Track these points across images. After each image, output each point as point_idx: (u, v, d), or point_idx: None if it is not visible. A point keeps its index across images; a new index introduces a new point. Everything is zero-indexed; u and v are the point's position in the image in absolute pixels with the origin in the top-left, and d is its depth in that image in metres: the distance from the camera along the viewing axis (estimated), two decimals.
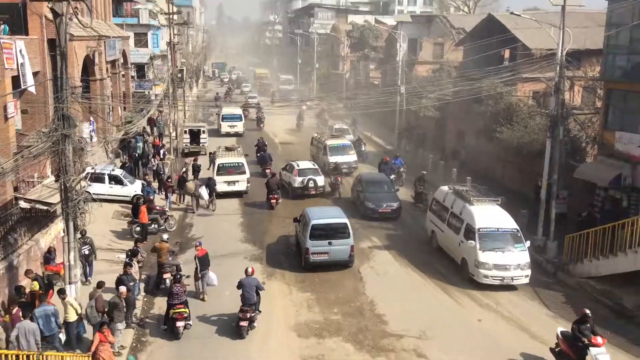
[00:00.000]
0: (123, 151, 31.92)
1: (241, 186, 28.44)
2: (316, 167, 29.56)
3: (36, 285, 15.11)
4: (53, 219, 18.60)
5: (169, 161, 34.87)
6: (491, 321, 16.91)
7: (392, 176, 29.77)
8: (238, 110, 45.76)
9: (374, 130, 45.53)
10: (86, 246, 18.11)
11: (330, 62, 74.80)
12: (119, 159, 31.84)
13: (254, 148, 35.49)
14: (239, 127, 44.11)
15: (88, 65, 30.61)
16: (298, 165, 29.08)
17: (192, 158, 32.01)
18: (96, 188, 24.94)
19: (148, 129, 38.02)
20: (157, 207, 24.32)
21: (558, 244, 21.31)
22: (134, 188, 26.65)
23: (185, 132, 38.38)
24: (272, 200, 26.64)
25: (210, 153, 32.69)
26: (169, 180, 27.67)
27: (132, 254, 18.36)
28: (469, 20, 45.76)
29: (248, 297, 15.82)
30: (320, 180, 28.55)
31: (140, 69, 48.92)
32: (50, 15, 16.42)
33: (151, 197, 24.96)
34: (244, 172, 28.47)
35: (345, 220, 20.33)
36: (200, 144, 37.99)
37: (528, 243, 19.19)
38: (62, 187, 14.94)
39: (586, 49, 28.14)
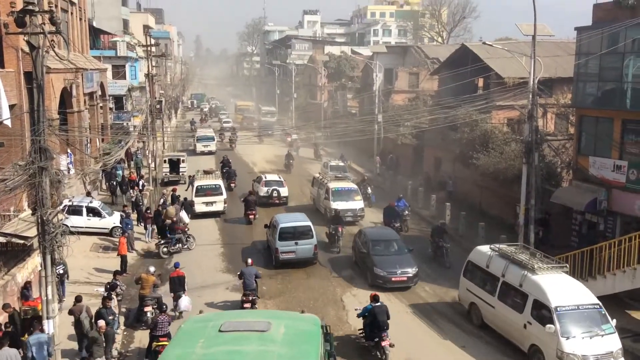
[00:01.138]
0: (105, 178, 31.94)
1: (218, 206, 30.15)
2: (281, 179, 33.38)
3: (36, 311, 15.33)
4: (30, 253, 18.16)
5: (148, 192, 34.50)
6: None
7: (397, 224, 26.09)
8: (211, 132, 52.02)
9: (352, 158, 45.75)
10: (60, 265, 17.68)
11: (308, 91, 75.35)
12: (96, 191, 31.44)
13: (219, 165, 39.46)
14: (212, 146, 49.99)
15: (65, 98, 30.33)
16: (265, 177, 33.42)
17: (171, 188, 31.76)
18: (74, 220, 24.56)
19: (125, 164, 37.51)
20: (181, 226, 25.42)
21: None
22: (112, 220, 26.28)
23: (165, 161, 38.53)
24: (250, 216, 29.07)
25: (189, 176, 34.67)
26: (148, 211, 27.32)
27: (110, 287, 17.96)
28: (443, 51, 46.61)
29: (248, 284, 18.73)
30: (284, 191, 32.64)
31: (119, 100, 48.65)
32: (26, 48, 16.28)
33: (129, 232, 24.55)
34: (221, 194, 30.37)
35: (309, 223, 23.38)
36: (180, 173, 38.02)
37: (614, 322, 15.16)
38: (39, 220, 14.62)
39: (557, 77, 28.80)
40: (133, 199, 29.51)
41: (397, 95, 46.77)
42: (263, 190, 32.15)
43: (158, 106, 42.48)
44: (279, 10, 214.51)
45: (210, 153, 48.73)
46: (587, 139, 22.65)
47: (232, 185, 35.48)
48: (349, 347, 16.41)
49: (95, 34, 47.76)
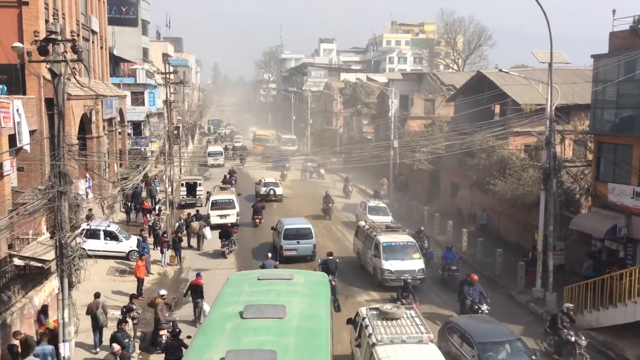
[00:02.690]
0: (126, 198, 32.91)
1: (231, 218, 32.37)
2: (276, 181, 41.75)
3: (51, 324, 15.96)
4: (47, 276, 18.25)
5: (165, 216, 34.69)
6: None
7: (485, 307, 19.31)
8: (220, 148, 61.97)
9: (367, 183, 45.69)
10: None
11: (324, 117, 75.80)
12: (113, 214, 31.69)
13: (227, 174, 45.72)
14: (221, 160, 58.04)
15: (85, 123, 30.82)
16: (264, 180, 41.51)
17: (187, 212, 31.97)
18: (91, 244, 24.70)
19: (143, 192, 37.72)
20: (234, 230, 28.85)
21: (557, 295, 21.03)
22: (129, 244, 26.39)
23: (182, 185, 39.11)
24: (256, 220, 33.84)
25: (207, 192, 37.43)
26: (165, 235, 27.42)
27: (126, 310, 17.94)
28: (459, 78, 46.73)
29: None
30: (279, 190, 40.95)
31: (137, 126, 49.30)
32: (48, 76, 16.63)
33: (146, 254, 24.67)
34: (234, 207, 33.04)
35: (309, 226, 27.44)
36: (197, 196, 38.42)
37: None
38: (57, 243, 14.72)
39: (574, 104, 28.65)
40: (150, 223, 29.64)
41: (413, 122, 46.85)
42: (263, 190, 40.60)
43: (175, 132, 42.96)
44: (296, 39, 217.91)
45: (219, 166, 56.33)
46: (606, 165, 22.40)
47: (233, 181, 42.40)
48: None
49: (116, 61, 48.71)
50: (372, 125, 56.87)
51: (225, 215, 32.63)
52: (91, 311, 17.57)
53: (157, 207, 33.64)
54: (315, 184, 48.40)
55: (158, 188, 38.01)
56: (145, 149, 46.18)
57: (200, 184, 39.05)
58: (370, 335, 13.98)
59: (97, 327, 17.57)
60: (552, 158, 21.03)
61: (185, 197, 38.43)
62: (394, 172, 41.75)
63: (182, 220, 29.70)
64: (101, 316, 17.50)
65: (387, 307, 15.08)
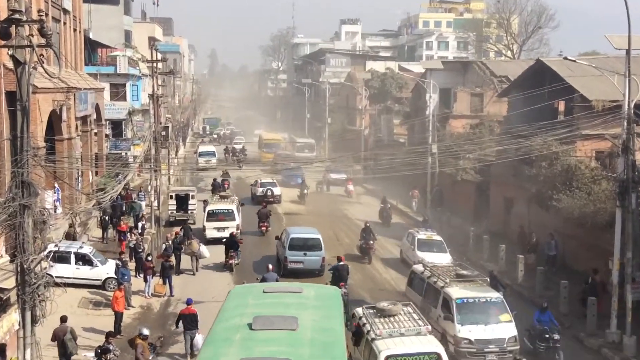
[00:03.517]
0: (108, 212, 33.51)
1: (230, 232, 32.38)
2: (274, 181, 46.77)
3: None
4: (6, 309, 18.36)
5: (150, 236, 34.81)
6: None
7: None
8: (212, 148, 66.43)
9: (400, 198, 45.58)
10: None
11: (346, 116, 75.94)
12: (87, 235, 31.92)
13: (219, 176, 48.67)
14: (213, 161, 61.44)
15: (54, 122, 31.14)
16: (261, 180, 46.22)
17: (175, 231, 32.11)
18: (60, 270, 24.85)
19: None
20: (240, 240, 31.09)
21: (637, 339, 20.70)
22: (105, 269, 26.54)
23: (171, 197, 39.31)
24: (262, 228, 36.63)
25: (204, 201, 38.52)
26: (149, 259, 27.53)
27: (102, 351, 18.01)
28: (513, 67, 46.55)
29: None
30: (276, 190, 45.62)
31: (117, 126, 49.79)
32: (10, 64, 16.80)
33: (126, 282, 24.78)
34: (234, 219, 34.25)
35: (318, 236, 29.47)
36: (189, 211, 38.51)
37: None
38: (19, 269, 14.80)
39: None
40: (132, 244, 29.82)
41: (456, 121, 46.70)
42: (259, 191, 45.15)
43: (163, 133, 43.30)
44: (312, 20, 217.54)
45: (211, 168, 58.84)
46: None
47: (226, 185, 45.23)
48: None
49: (92, 47, 49.25)
50: (405, 125, 56.82)
51: (223, 228, 33.89)
52: (58, 338, 17.68)
53: (140, 224, 33.82)
54: (337, 201, 48.39)
55: (143, 203, 38.17)
56: (126, 153, 46.54)
57: (192, 196, 39.27)
58: (368, 331, 17.13)
59: (65, 355, 17.67)
60: (630, 167, 20.78)
61: (174, 212, 38.64)
62: (432, 183, 41.57)
63: (169, 241, 29.82)
64: (70, 343, 17.64)
65: (384, 304, 18.33)
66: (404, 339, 16.52)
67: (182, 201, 38.91)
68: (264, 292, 15.89)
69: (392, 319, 17.62)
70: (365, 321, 17.69)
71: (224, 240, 31.41)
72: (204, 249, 30.03)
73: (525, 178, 31.27)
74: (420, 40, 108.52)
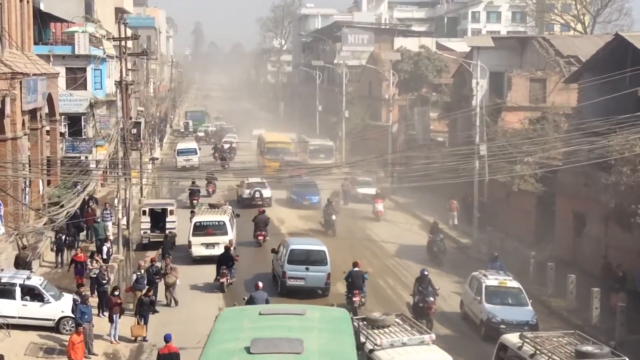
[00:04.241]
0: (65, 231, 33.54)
1: (222, 249, 33.56)
2: (264, 181, 49.91)
3: None
4: None
5: (117, 263, 34.74)
6: None
7: None
8: (193, 145, 70.14)
9: (437, 211, 45.39)
10: None
11: (368, 108, 75.80)
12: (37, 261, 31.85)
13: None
14: (194, 160, 65.45)
15: None
16: (248, 180, 49.24)
17: (150, 258, 31.98)
18: (2, 307, 24.77)
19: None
20: (235, 257, 32.81)
21: None
22: (60, 306, 26.41)
23: (144, 212, 39.29)
24: (259, 237, 39.02)
25: (191, 211, 40.19)
26: (116, 293, 27.41)
27: None
28: (585, 45, 46.26)
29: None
30: (266, 192, 49.13)
31: (75, 121, 49.79)
32: None
33: (85, 324, 24.67)
34: (226, 233, 35.82)
35: (324, 248, 31.50)
36: (167, 231, 38.29)
37: None
38: None
39: None
40: (94, 275, 29.71)
41: (511, 114, 46.40)
42: (246, 192, 48.60)
43: (134, 131, 43.33)
44: None
45: (192, 168, 63.55)
46: None
47: (195, 201, 46.40)
48: None
49: (44, 21, 49.28)
50: (444, 120, 56.60)
51: (212, 245, 35.54)
52: None
53: (104, 248, 33.71)
54: (359, 222, 47.93)
55: (109, 223, 38.03)
56: (87, 157, 46.57)
57: (172, 212, 39.27)
58: (363, 343, 19.42)
59: None
60: None
61: (148, 231, 38.70)
62: (480, 194, 41.35)
63: (141, 271, 29.70)
64: None
65: (376, 314, 21.38)
66: (408, 349, 19.27)
67: (158, 218, 38.89)
68: (260, 314, 16.98)
69: (386, 329, 20.51)
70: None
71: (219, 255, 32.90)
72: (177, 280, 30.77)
73: (601, 188, 30.92)
74: (464, 10, 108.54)
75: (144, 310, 26.85)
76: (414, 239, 41.88)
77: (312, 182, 50.94)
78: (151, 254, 33.42)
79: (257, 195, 47.72)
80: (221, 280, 31.33)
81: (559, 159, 35.13)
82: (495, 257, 32.29)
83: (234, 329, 16.06)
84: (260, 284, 26.79)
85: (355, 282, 28.59)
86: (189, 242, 35.84)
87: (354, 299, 28.82)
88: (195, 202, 46.39)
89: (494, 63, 47.70)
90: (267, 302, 25.34)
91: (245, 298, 26.47)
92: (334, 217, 41.35)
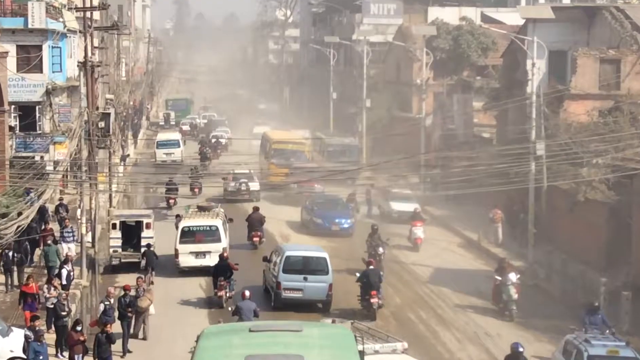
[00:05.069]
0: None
1: (214, 259, 35.61)
2: (251, 172, 55.08)
3: None
4: None
5: (80, 290, 34.73)
6: None
7: None
8: (175, 136, 75.79)
9: (479, 222, 45.31)
10: None
11: (394, 95, 75.68)
12: None
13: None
14: (177, 154, 70.68)
15: None
16: (233, 171, 54.21)
17: (125, 283, 31.95)
18: None
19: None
20: (234, 265, 34.01)
21: None
22: (7, 345, 26.41)
23: (114, 226, 39.37)
24: (254, 238, 41.93)
25: (176, 215, 42.51)
26: (78, 328, 27.40)
27: None
28: None
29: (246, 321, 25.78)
30: (254, 185, 54.12)
31: (28, 112, 49.80)
32: None
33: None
34: (219, 240, 37.72)
35: (324, 255, 33.61)
36: (141, 249, 38.36)
37: None
38: None
39: None
40: (51, 304, 29.70)
41: (576, 104, 46.29)
42: (231, 185, 53.62)
43: (102, 124, 43.28)
44: None
45: (174, 163, 67.74)
46: None
47: (171, 202, 51.32)
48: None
49: None
50: (491, 111, 56.49)
51: (203, 254, 37.53)
52: None
53: (64, 271, 33.67)
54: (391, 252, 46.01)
55: (71, 245, 37.98)
56: (42, 157, 46.59)
57: (148, 225, 39.40)
58: None
59: None
60: None
61: (119, 250, 38.81)
62: (537, 205, 41.24)
63: (110, 300, 29.67)
64: None
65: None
66: (380, 357, 22.06)
67: (131, 233, 39.05)
68: (250, 331, 17.71)
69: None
70: None
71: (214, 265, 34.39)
72: (152, 308, 31.12)
73: None
74: None
75: (103, 351, 26.63)
76: (453, 260, 42.28)
77: (339, 198, 50.15)
78: (123, 279, 33.37)
79: (243, 187, 52.71)
80: (219, 294, 32.65)
81: (637, 161, 35.00)
82: (595, 307, 29.33)
83: (223, 346, 16.91)
84: (247, 293, 28.79)
85: (371, 281, 31.36)
86: (176, 250, 37.37)
87: (371, 300, 30.82)
88: (172, 203, 50.62)
89: (554, 39, 47.60)
90: (255, 313, 27.90)
91: (232, 308, 28.85)
92: (381, 250, 38.78)
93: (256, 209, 43.92)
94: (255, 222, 42.05)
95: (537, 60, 43.55)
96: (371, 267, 32.21)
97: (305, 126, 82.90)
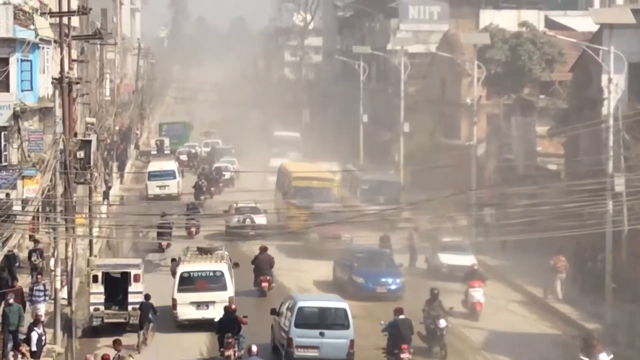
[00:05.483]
0: None
1: (218, 311, 36.58)
2: (257, 205, 57.74)
3: None
4: None
5: (52, 359, 34.61)
6: None
7: None
8: (171, 165, 78.34)
9: (540, 274, 45.06)
10: None
11: (438, 118, 75.67)
12: None
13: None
14: (172, 187, 73.77)
15: None
16: (237, 204, 57.28)
17: (104, 353, 31.97)
18: None
19: None
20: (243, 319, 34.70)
21: None
22: None
23: (95, 279, 39.46)
24: (262, 284, 43.36)
25: (172, 260, 43.62)
26: None
27: None
28: None
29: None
30: (260, 219, 56.19)
31: None
32: None
33: None
34: (224, 288, 38.82)
35: (344, 305, 34.35)
36: (129, 306, 38.60)
37: None
38: None
39: None
40: None
41: None
42: (234, 220, 55.88)
43: (82, 154, 43.34)
44: None
45: (169, 197, 70.74)
46: None
47: (165, 244, 52.82)
48: None
49: None
50: (558, 137, 56.39)
51: (206, 304, 38.54)
52: None
53: (34, 335, 33.64)
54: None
55: (41, 305, 37.95)
56: (8, 195, 46.68)
57: (136, 277, 39.50)
58: None
59: None
60: None
61: (101, 308, 38.80)
62: (614, 250, 40.98)
63: None
64: None
65: None
66: None
67: (116, 287, 39.22)
68: None
69: None
70: None
71: (218, 319, 35.15)
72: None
73: None
74: None
75: None
76: (512, 322, 42.03)
77: (384, 251, 49.14)
78: (105, 345, 33.26)
79: (249, 223, 54.92)
80: (226, 354, 32.93)
81: None
82: None
83: None
84: (255, 348, 29.78)
85: (402, 333, 32.16)
86: (173, 300, 38.20)
87: (401, 355, 31.42)
88: (164, 245, 52.26)
89: (635, 50, 47.60)
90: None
91: None
92: (442, 323, 35.79)
93: (264, 249, 44.82)
94: (263, 265, 43.23)
95: (615, 75, 43.42)
96: (401, 316, 32.74)
97: (330, 156, 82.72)
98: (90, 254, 48.11)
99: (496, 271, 50.71)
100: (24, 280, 40.53)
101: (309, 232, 53.57)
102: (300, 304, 33.50)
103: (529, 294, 46.02)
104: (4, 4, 50.83)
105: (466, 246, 51.01)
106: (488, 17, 79.30)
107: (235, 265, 41.87)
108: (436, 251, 50.68)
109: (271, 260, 44.02)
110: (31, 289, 38.63)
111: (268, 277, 43.24)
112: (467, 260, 47.03)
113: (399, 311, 32.95)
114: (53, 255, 39.17)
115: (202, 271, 39.21)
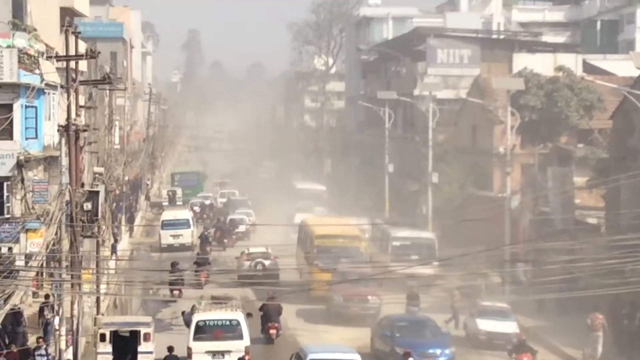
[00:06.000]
0: None
1: (234, 359, 38.89)
2: (268, 251, 60.07)
3: None
4: None
5: None
6: None
7: None
8: (185, 214, 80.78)
9: (580, 336, 44.85)
10: None
11: (469, 169, 75.50)
12: None
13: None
14: (186, 236, 76.16)
15: None
16: (248, 250, 60.73)
17: None
18: None
19: None
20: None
21: None
22: None
23: (103, 338, 39.72)
24: (270, 331, 45.09)
25: (183, 312, 45.90)
26: None
27: None
28: None
29: None
30: (272, 264, 58.38)
31: None
32: None
33: None
34: (240, 337, 40.22)
35: (356, 356, 36.15)
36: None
37: None
38: None
39: None
40: None
41: None
42: (246, 265, 59.17)
43: (89, 206, 43.39)
44: None
45: (183, 247, 73.26)
46: None
47: (177, 294, 53.91)
48: None
49: None
50: (598, 189, 56.24)
51: (222, 353, 40.20)
52: None
53: None
54: None
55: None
56: (10, 249, 46.71)
57: (146, 336, 39.92)
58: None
59: None
60: None
61: None
62: None
63: None
64: None
65: None
66: None
67: (125, 346, 39.56)
68: None
69: None
70: None
71: None
72: None
73: None
74: (627, 10, 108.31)
75: None
76: None
77: (426, 317, 46.81)
78: None
79: (260, 268, 57.52)
80: None
81: None
82: None
83: None
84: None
85: None
86: (189, 349, 39.70)
87: None
88: (176, 294, 53.50)
89: None
90: None
91: None
92: None
93: (272, 297, 46.81)
94: (271, 312, 45.27)
95: None
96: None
97: (354, 209, 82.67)
98: (97, 312, 48.01)
99: (532, 332, 50.34)
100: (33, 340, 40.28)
101: (331, 294, 51.48)
102: (311, 356, 34.83)
103: (567, 356, 45.93)
104: (8, 47, 51.00)
105: (507, 311, 49.33)
106: (522, 61, 79.14)
107: (249, 315, 43.05)
108: (474, 315, 48.52)
109: (279, 308, 45.94)
110: (32, 354, 38.59)
111: (276, 325, 45.08)
112: (508, 327, 46.35)
113: (407, 355, 34.15)
114: (58, 314, 39.20)
115: (218, 320, 40.70)
